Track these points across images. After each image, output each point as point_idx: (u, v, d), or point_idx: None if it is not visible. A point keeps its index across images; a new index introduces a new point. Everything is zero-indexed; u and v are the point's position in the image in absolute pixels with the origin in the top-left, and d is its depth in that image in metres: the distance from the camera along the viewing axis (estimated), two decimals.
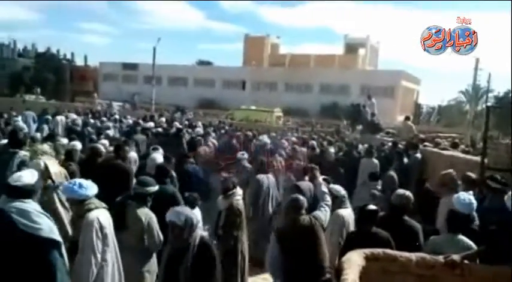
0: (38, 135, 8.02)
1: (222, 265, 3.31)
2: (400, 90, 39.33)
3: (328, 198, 4.40)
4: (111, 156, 5.88)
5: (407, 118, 14.11)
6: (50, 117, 13.08)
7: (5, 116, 12.55)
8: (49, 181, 4.36)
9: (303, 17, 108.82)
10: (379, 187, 6.74)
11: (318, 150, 10.03)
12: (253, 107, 32.11)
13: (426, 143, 10.24)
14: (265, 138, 10.51)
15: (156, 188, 3.84)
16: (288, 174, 7.37)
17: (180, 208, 3.15)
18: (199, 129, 12.13)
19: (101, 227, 3.26)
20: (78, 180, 3.44)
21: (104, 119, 14.11)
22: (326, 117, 33.51)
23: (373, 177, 6.91)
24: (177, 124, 13.39)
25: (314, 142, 11.08)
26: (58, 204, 4.34)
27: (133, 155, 6.93)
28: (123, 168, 5.42)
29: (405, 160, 8.44)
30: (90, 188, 3.36)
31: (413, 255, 3.02)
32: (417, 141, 9.90)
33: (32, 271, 2.85)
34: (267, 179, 6.35)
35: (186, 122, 15.52)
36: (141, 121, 13.40)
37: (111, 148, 6.52)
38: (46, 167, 4.38)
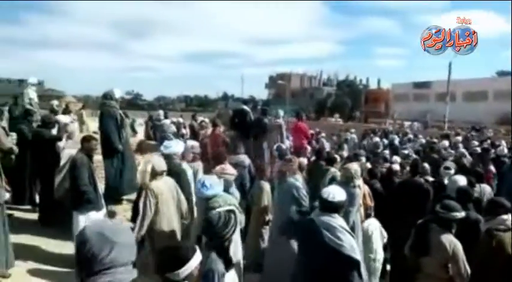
0: (345, 154, 9.06)
1: None
2: None
3: None
4: (408, 175, 6.02)
5: None
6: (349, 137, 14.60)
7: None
8: None
9: None
10: None
11: None
12: None
13: None
14: None
15: (462, 214, 3.59)
16: None
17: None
18: (503, 148, 10.60)
19: None
20: (202, 179, 3.75)
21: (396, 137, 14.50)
22: None
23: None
24: (475, 143, 12.24)
25: None
26: None
27: None
28: (423, 188, 5.45)
29: None
30: (212, 187, 3.62)
31: None
32: None
33: None
34: None
35: (489, 141, 13.93)
36: (435, 140, 12.98)
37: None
38: None
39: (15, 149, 5.97)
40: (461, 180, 5.13)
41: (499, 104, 41.56)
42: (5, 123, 8.13)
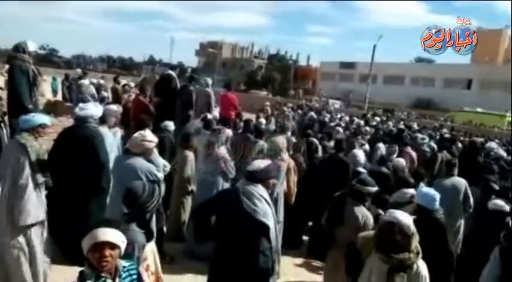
0: (272, 127, 9.24)
1: None
2: None
3: None
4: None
5: None
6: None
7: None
8: None
9: None
10: None
11: None
12: (479, 109, 28.38)
13: None
14: (492, 145, 9.48)
15: (375, 188, 3.83)
16: None
17: None
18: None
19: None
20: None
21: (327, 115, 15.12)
22: None
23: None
24: (390, 124, 13.23)
25: None
26: None
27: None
28: (343, 162, 5.75)
29: None
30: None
31: None
32: None
33: (243, 246, 3.15)
34: None
35: (402, 122, 15.10)
36: (355, 119, 13.77)
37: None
38: None
39: None
40: (360, 155, 5.59)
41: (415, 88, 45.00)
42: None
